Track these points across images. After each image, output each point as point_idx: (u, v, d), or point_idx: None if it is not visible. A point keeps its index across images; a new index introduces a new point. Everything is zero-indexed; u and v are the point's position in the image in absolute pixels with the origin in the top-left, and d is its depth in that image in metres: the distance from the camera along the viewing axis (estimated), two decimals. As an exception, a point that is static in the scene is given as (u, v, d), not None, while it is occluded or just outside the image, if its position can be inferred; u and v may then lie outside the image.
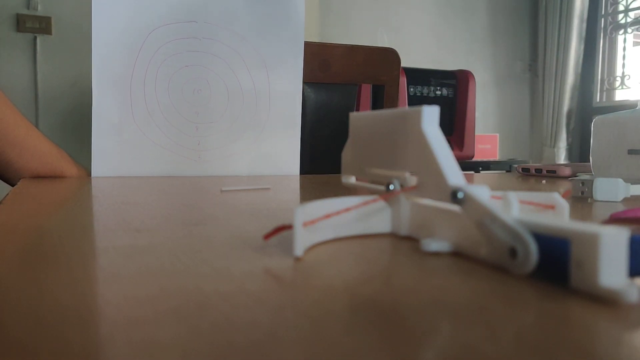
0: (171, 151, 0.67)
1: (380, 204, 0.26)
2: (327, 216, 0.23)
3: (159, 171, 0.67)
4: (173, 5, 0.66)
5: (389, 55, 0.97)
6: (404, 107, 0.26)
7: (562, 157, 3.42)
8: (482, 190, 0.21)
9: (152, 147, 0.66)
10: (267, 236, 0.23)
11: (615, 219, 0.30)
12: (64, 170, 0.63)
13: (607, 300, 0.15)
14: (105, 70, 0.64)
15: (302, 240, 0.21)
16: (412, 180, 0.25)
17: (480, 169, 2.46)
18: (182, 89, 0.67)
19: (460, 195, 0.21)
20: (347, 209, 0.24)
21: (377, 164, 0.29)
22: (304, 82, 0.74)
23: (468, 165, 2.40)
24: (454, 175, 0.22)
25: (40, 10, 2.14)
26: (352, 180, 0.33)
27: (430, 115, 0.24)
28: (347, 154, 0.33)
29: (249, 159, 0.71)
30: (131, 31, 0.64)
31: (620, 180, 0.42)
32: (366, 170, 0.30)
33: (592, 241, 0.16)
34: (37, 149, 0.61)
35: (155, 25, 0.65)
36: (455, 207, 0.22)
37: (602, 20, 3.37)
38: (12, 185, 0.60)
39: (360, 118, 0.31)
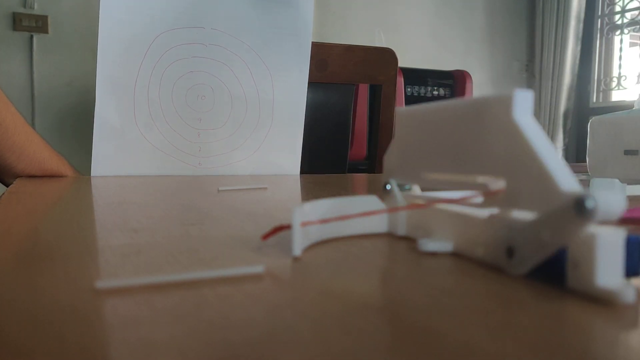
0: (172, 156, 0.67)
1: (378, 204, 0.26)
2: (326, 220, 0.23)
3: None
4: (181, 10, 0.65)
5: (386, 55, 0.97)
6: (480, 96, 0.21)
7: (558, 158, 3.43)
8: (616, 199, 0.16)
9: (153, 152, 0.66)
10: (265, 236, 0.23)
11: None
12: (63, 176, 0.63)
13: (603, 301, 0.15)
14: (109, 73, 0.63)
15: (301, 240, 0.21)
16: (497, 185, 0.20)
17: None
18: (186, 95, 0.67)
19: (590, 204, 0.15)
20: (346, 216, 0.24)
21: (438, 167, 0.23)
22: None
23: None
24: (566, 178, 0.17)
25: (37, 9, 2.13)
26: (394, 186, 0.27)
27: (524, 102, 0.19)
28: (392, 157, 0.27)
29: (249, 167, 0.70)
30: (137, 35, 0.63)
31: (617, 180, 0.42)
32: (421, 176, 0.25)
33: (588, 242, 0.16)
34: (37, 154, 0.60)
35: (162, 29, 0.64)
36: (458, 209, 0.22)
37: (599, 21, 3.37)
38: None
39: (411, 113, 0.26)
